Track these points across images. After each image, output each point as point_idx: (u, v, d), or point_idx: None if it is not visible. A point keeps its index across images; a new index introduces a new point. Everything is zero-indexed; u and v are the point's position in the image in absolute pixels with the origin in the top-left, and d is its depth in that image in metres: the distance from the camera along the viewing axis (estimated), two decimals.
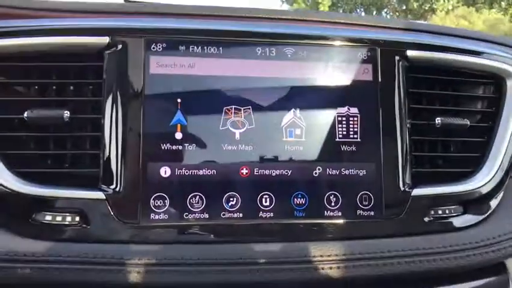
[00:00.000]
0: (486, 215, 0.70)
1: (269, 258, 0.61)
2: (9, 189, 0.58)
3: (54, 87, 0.64)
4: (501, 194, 0.72)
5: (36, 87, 0.64)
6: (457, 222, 0.68)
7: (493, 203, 0.71)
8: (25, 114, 0.60)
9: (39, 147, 0.63)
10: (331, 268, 0.61)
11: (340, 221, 0.64)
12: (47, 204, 0.59)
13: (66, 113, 0.60)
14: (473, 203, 0.70)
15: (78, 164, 0.63)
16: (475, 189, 0.69)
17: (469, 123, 0.72)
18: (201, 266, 0.59)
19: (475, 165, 0.72)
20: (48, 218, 0.59)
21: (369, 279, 0.63)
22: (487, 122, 0.75)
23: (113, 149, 0.60)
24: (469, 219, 0.69)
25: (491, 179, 0.70)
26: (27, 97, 0.64)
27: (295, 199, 0.63)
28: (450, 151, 0.74)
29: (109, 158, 0.60)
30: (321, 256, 0.61)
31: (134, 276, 0.58)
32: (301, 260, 0.61)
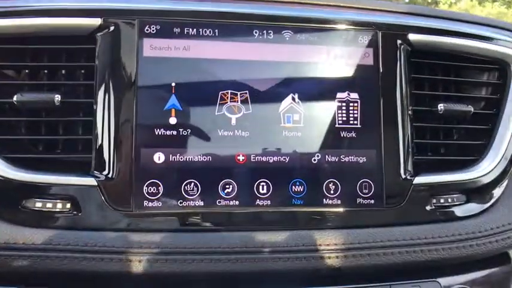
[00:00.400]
0: (490, 204, 0.69)
1: (266, 247, 0.59)
2: None
3: (44, 70, 0.62)
4: (505, 183, 0.70)
5: (26, 70, 0.62)
6: (460, 211, 0.67)
7: (497, 192, 0.69)
8: (14, 98, 0.58)
9: (29, 132, 0.61)
10: (330, 257, 0.60)
11: (340, 209, 0.62)
12: (37, 190, 0.57)
13: (57, 97, 0.58)
14: (477, 191, 0.68)
15: (69, 149, 0.61)
16: (479, 177, 0.68)
17: (472, 109, 0.70)
18: (195, 254, 0.58)
19: (478, 153, 0.70)
20: (39, 205, 0.57)
21: (369, 268, 0.61)
22: (491, 108, 0.72)
23: (105, 134, 0.59)
24: (472, 208, 0.67)
25: (495, 168, 0.68)
26: (16, 80, 0.62)
27: (294, 186, 0.61)
28: (453, 138, 0.72)
29: (101, 143, 0.59)
30: (320, 245, 0.60)
31: (127, 265, 0.56)
32: (300, 248, 0.60)
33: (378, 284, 0.62)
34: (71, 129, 0.62)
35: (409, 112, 0.66)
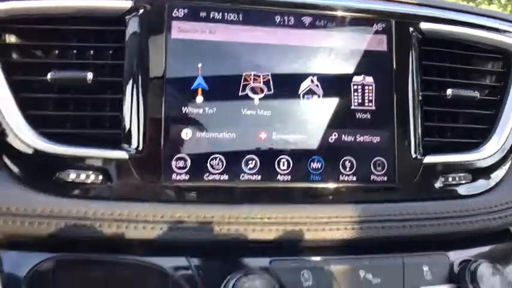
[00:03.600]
0: (494, 183, 0.73)
1: (286, 219, 0.63)
2: (34, 148, 0.60)
3: (76, 50, 0.65)
4: (508, 164, 0.74)
5: (59, 50, 0.65)
6: (466, 189, 0.71)
7: (501, 172, 0.74)
8: (48, 76, 0.61)
9: (63, 108, 0.64)
10: (346, 229, 0.63)
11: (355, 185, 0.66)
12: (71, 163, 0.61)
13: (90, 75, 0.61)
14: (482, 172, 0.73)
15: (100, 125, 0.64)
16: (483, 159, 0.72)
17: (478, 95, 0.74)
18: (220, 224, 0.61)
19: (484, 136, 0.74)
20: (73, 176, 0.60)
21: (382, 240, 0.65)
22: (496, 95, 0.77)
23: (134, 110, 0.62)
24: (477, 187, 0.72)
25: (499, 150, 0.73)
26: (50, 59, 0.65)
27: (312, 163, 0.65)
28: (460, 122, 0.76)
29: (131, 120, 0.62)
30: (337, 217, 0.63)
31: (155, 233, 0.60)
32: (317, 221, 0.63)
33: (391, 255, 0.66)
34: (102, 106, 0.65)
35: (420, 96, 0.70)
